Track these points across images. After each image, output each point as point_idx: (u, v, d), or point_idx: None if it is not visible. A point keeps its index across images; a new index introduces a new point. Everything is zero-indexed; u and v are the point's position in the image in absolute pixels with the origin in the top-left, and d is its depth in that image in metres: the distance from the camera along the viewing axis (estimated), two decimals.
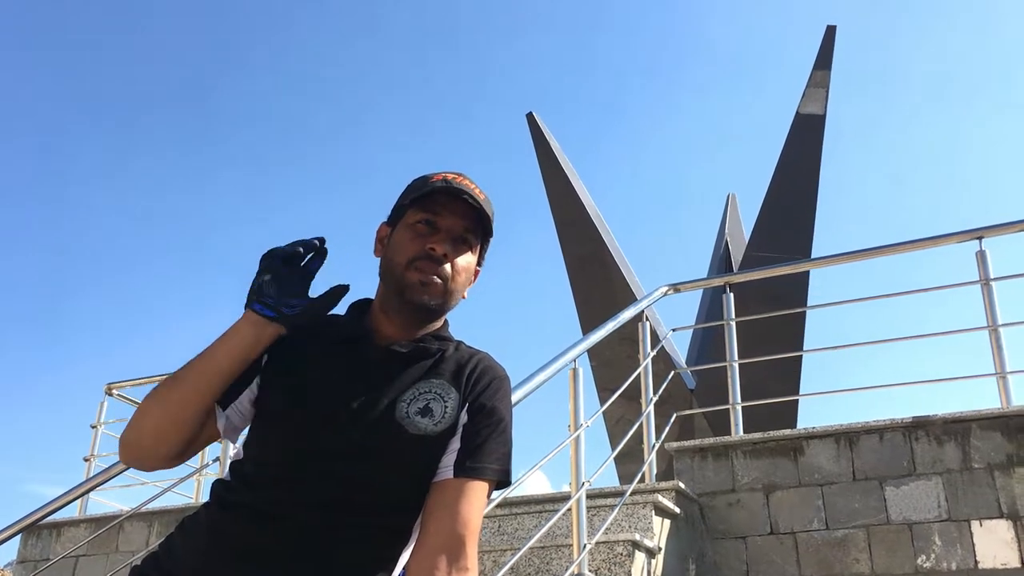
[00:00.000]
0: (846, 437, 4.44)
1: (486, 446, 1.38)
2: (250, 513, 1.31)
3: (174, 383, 1.35)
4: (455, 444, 1.37)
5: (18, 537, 5.31)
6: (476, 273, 1.51)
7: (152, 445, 1.36)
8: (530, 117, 9.62)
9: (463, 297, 1.47)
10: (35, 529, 5.88)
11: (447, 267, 1.41)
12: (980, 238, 4.79)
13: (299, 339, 1.41)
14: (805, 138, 9.13)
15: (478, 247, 1.48)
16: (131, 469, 4.37)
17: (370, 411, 1.35)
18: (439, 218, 1.42)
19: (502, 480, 1.40)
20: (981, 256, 4.73)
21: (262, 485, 1.33)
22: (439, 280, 1.40)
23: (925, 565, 4.08)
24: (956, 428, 4.28)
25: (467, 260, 1.45)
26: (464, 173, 1.47)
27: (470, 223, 1.44)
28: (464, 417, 1.39)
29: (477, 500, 1.35)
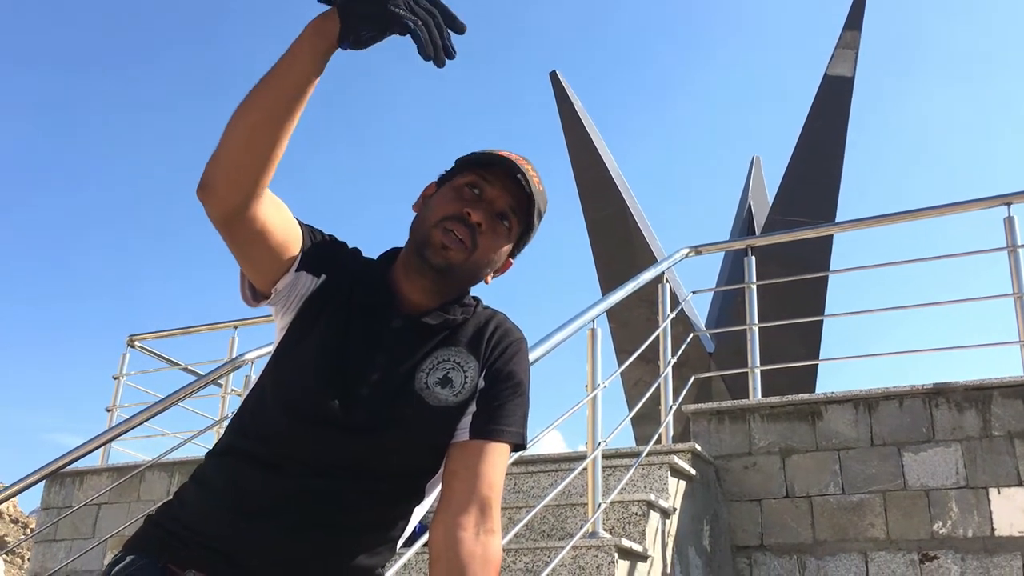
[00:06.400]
0: (865, 403, 4.41)
1: (505, 408, 1.37)
2: (263, 468, 1.31)
3: (245, 104, 1.23)
4: (472, 407, 1.36)
5: (42, 484, 5.42)
6: (508, 265, 1.45)
7: (233, 178, 1.24)
8: (553, 76, 9.52)
9: (486, 282, 1.42)
10: (58, 477, 5.98)
11: (476, 237, 1.35)
12: (1008, 204, 4.70)
13: (335, 289, 1.38)
14: (833, 100, 8.98)
15: (516, 234, 1.41)
16: (152, 420, 4.43)
17: (390, 382, 1.33)
18: (487, 187, 1.36)
19: (519, 443, 1.39)
20: (1009, 222, 4.65)
21: (276, 442, 1.32)
22: (464, 247, 1.34)
23: (941, 531, 4.07)
24: (977, 395, 4.24)
25: (500, 240, 1.39)
26: (530, 160, 1.41)
27: (516, 204, 1.37)
28: (482, 383, 1.38)
29: (500, 462, 1.35)
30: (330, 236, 1.44)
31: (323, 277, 1.38)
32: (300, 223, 1.38)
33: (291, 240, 1.35)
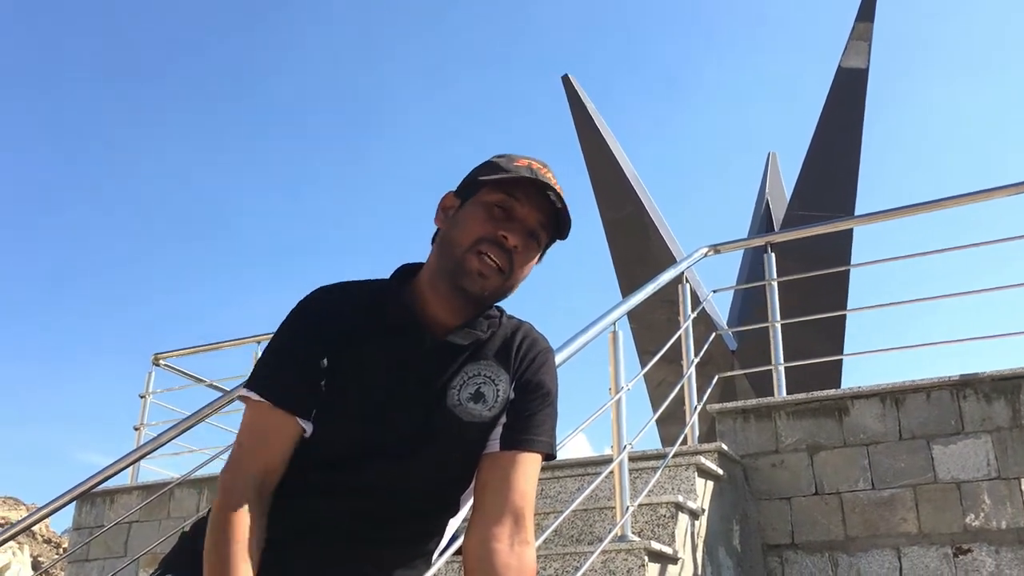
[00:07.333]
0: (892, 396, 4.38)
1: (535, 418, 1.37)
2: (304, 491, 1.32)
3: None
4: (503, 418, 1.37)
5: (73, 504, 5.46)
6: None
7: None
8: (566, 79, 9.52)
9: (509, 294, 1.40)
10: (89, 497, 6.02)
11: (513, 260, 1.33)
12: None
13: (350, 328, 1.35)
14: (847, 93, 8.92)
15: (544, 245, 1.40)
16: (180, 437, 4.46)
17: (423, 403, 1.33)
18: (518, 204, 1.34)
19: (549, 453, 1.39)
20: None
21: (317, 468, 1.33)
22: (500, 273, 1.33)
23: (974, 524, 4.03)
24: (1005, 385, 4.20)
25: (532, 254, 1.38)
26: (548, 164, 1.39)
27: (546, 219, 1.36)
28: (512, 393, 1.38)
29: (532, 472, 1.35)
30: (305, 329, 1.36)
31: (324, 362, 1.33)
32: (289, 406, 1.32)
33: (295, 436, 1.32)
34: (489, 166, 1.38)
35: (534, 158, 1.38)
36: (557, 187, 1.36)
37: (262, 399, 1.32)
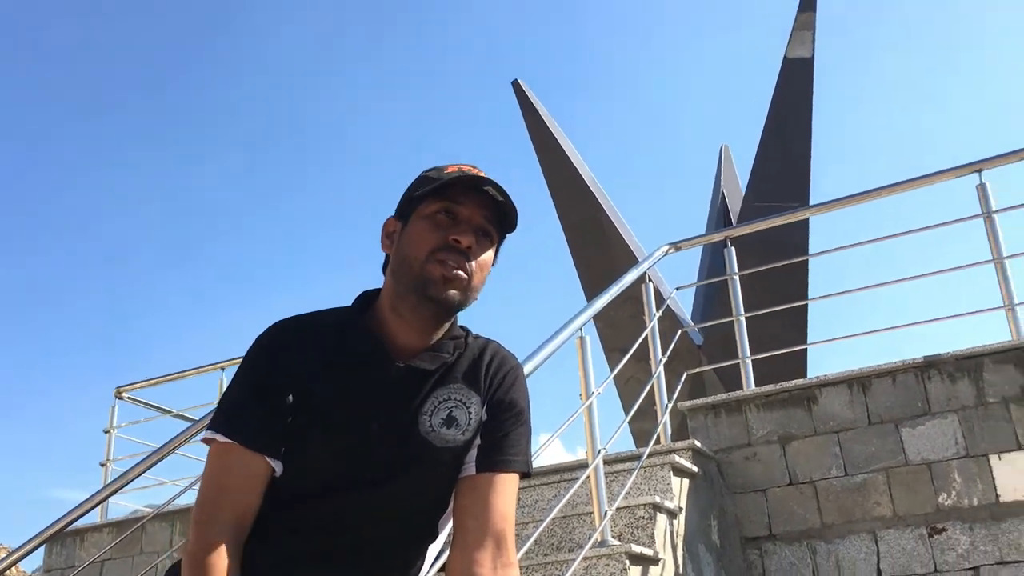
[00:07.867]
0: (858, 382, 4.43)
1: (510, 438, 1.37)
2: (276, 529, 1.30)
3: None
4: (477, 440, 1.36)
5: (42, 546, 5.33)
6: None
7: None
8: (516, 84, 9.51)
9: (475, 298, 1.37)
10: (59, 537, 5.89)
11: (470, 261, 1.32)
12: (979, 171, 4.73)
13: (314, 361, 1.33)
14: (795, 83, 9.03)
15: (497, 240, 1.39)
16: (150, 471, 4.38)
17: (394, 432, 1.31)
18: (460, 207, 1.33)
19: (526, 472, 1.38)
20: (982, 189, 4.69)
21: (288, 505, 1.31)
22: (463, 274, 1.31)
23: (947, 503, 4.09)
24: (968, 364, 4.27)
25: (487, 255, 1.36)
26: (477, 166, 1.39)
27: (491, 214, 1.35)
28: (484, 415, 1.37)
29: (510, 492, 1.35)
30: (267, 365, 1.34)
31: (290, 398, 1.31)
32: (258, 446, 1.30)
33: (266, 476, 1.31)
34: (422, 180, 1.38)
35: (462, 163, 1.38)
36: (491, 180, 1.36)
37: (230, 440, 1.29)
